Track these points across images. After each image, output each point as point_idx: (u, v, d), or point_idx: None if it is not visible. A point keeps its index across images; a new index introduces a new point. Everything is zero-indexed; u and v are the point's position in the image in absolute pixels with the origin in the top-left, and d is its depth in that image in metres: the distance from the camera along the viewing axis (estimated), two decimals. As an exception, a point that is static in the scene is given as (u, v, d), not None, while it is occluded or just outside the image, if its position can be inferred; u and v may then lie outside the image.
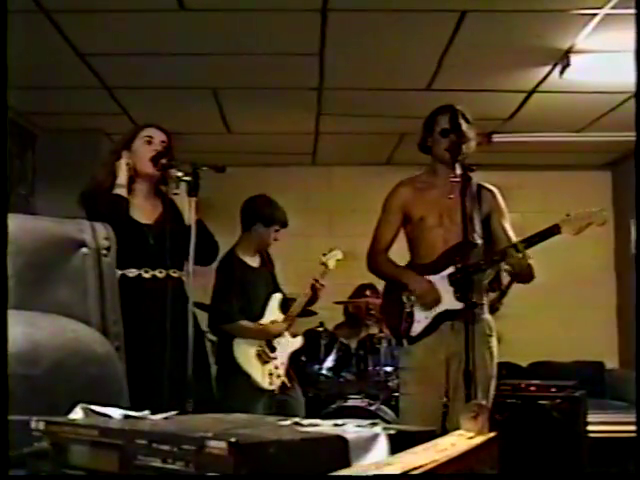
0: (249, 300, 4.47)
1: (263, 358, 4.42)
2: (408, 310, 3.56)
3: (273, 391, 4.41)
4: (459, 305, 3.28)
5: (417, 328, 3.55)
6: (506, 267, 3.43)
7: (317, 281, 4.61)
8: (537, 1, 3.95)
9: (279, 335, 4.53)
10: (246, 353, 4.39)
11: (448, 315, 3.46)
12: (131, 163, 3.31)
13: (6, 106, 1.46)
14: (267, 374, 4.41)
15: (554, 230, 3.36)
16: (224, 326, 4.39)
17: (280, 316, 4.55)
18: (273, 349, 4.48)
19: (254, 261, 4.58)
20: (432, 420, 3.35)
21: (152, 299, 3.21)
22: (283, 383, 4.47)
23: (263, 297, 4.55)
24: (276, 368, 4.46)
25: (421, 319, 3.54)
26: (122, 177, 3.28)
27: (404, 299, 3.59)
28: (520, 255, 3.35)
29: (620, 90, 5.13)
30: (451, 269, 3.47)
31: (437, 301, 3.51)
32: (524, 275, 3.48)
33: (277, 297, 4.60)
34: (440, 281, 3.52)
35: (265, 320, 4.50)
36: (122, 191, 3.25)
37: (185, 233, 3.04)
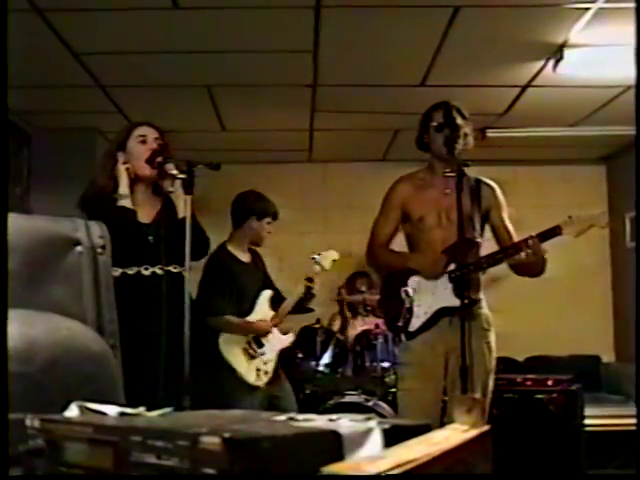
0: (238, 295, 4.46)
1: (250, 354, 4.40)
2: (407, 306, 3.58)
3: (259, 387, 4.39)
4: (458, 302, 3.30)
5: (416, 323, 3.57)
6: (520, 257, 3.41)
7: (310, 280, 4.58)
8: (530, -4, 3.96)
9: (266, 333, 4.50)
10: (232, 348, 4.37)
11: (447, 311, 3.48)
12: (130, 167, 3.32)
13: (6, 106, 1.46)
14: (254, 370, 4.38)
15: (556, 231, 3.39)
16: (210, 319, 4.37)
17: (270, 313, 4.53)
18: (261, 345, 4.44)
19: (245, 257, 4.58)
20: (431, 415, 3.37)
21: (152, 295, 3.23)
22: (270, 379, 4.45)
23: (253, 293, 4.53)
24: (264, 364, 4.44)
25: (420, 315, 3.56)
26: (124, 186, 3.28)
27: (403, 295, 3.60)
28: (530, 251, 3.36)
29: (614, 84, 5.14)
30: (452, 266, 3.49)
31: (440, 273, 3.51)
32: (537, 267, 3.49)
33: (267, 294, 4.58)
34: (440, 278, 3.54)
35: (253, 316, 4.49)
36: (127, 202, 3.26)
37: (181, 230, 3.05)
